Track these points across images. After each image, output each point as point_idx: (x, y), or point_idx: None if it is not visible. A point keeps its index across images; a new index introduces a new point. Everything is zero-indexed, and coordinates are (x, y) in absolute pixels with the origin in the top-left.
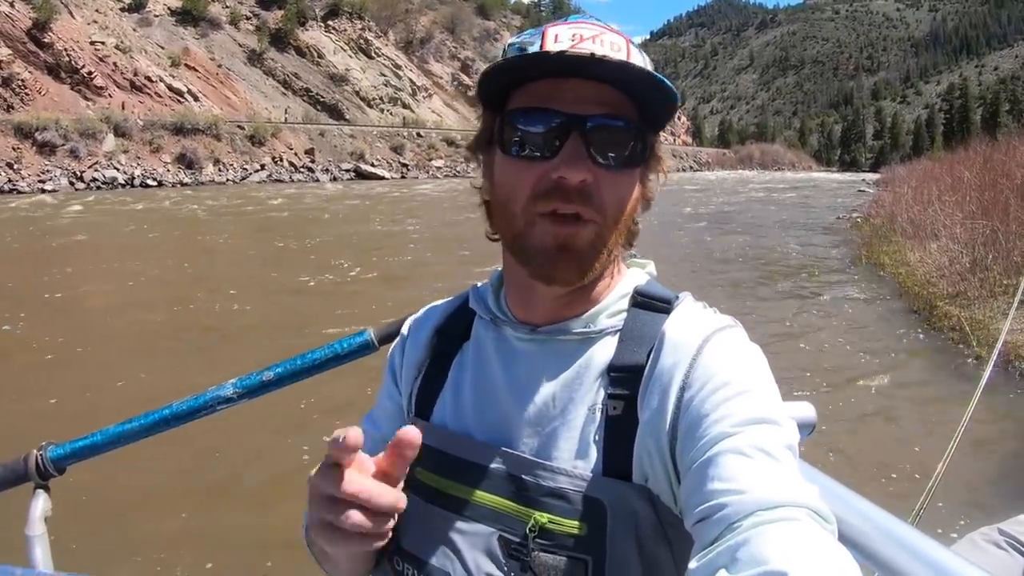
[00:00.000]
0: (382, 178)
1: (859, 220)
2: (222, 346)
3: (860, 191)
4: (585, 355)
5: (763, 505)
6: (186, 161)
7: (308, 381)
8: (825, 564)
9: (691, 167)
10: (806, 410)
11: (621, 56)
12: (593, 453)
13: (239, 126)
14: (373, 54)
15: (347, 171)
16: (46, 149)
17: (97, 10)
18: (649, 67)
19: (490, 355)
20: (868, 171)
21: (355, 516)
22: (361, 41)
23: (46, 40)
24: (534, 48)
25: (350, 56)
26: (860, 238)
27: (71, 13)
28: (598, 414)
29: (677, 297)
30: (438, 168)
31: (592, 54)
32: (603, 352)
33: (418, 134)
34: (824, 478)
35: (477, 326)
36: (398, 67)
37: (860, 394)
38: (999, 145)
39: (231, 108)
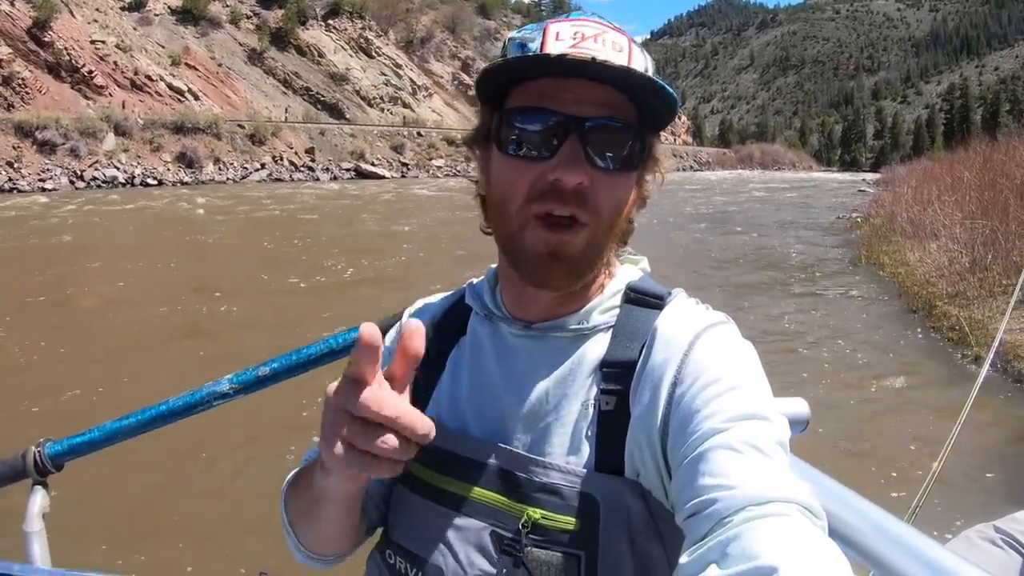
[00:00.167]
0: (382, 177)
1: (859, 220)
2: (211, 347)
3: (860, 191)
4: (579, 351)
5: (753, 500)
6: (186, 160)
7: (304, 376)
8: (815, 559)
9: (691, 167)
10: (799, 406)
11: (623, 56)
12: (586, 449)
13: (239, 125)
14: (373, 53)
15: (347, 170)
16: (46, 148)
17: (97, 9)
18: (651, 68)
19: (486, 351)
20: (868, 171)
21: (392, 440)
22: (361, 40)
23: (46, 39)
24: (535, 45)
25: (350, 55)
26: (860, 238)
27: (71, 12)
28: (591, 410)
29: (670, 293)
30: (438, 167)
31: (594, 58)
32: (596, 348)
33: (418, 133)
34: (819, 475)
35: (473, 322)
36: (398, 66)
37: (858, 393)
38: (999, 145)
39: (231, 107)
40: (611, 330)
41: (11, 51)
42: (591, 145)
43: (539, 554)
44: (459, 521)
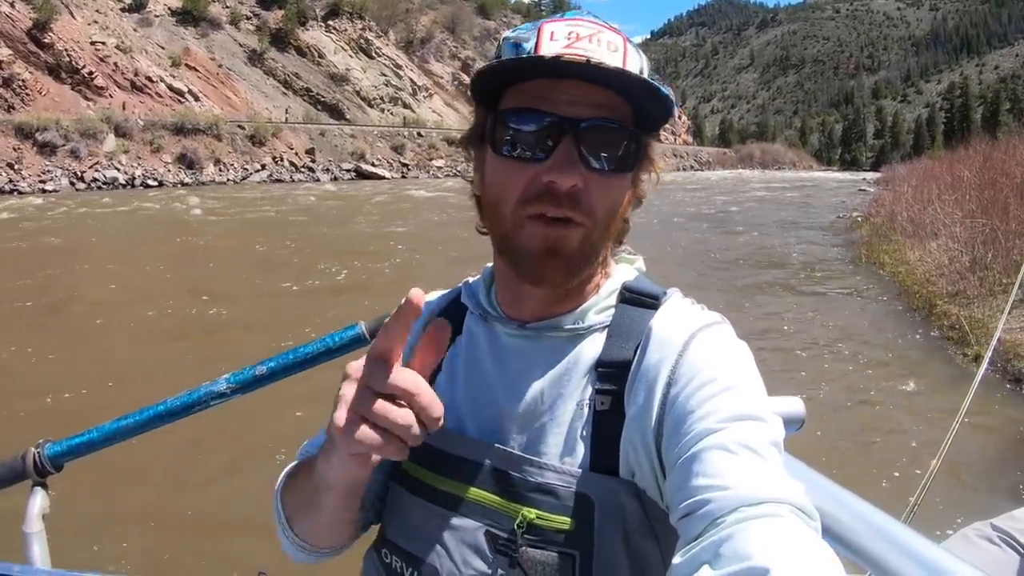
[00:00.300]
0: (383, 178)
1: (859, 219)
2: (203, 350)
3: (861, 190)
4: (574, 351)
5: (747, 501)
6: (187, 161)
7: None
8: (807, 560)
9: (692, 167)
10: (795, 404)
11: (618, 56)
12: (581, 449)
13: (240, 126)
14: (373, 54)
15: (348, 171)
16: (47, 149)
17: (97, 10)
18: (646, 68)
19: (482, 351)
20: (869, 170)
21: (410, 417)
22: (361, 41)
23: (47, 40)
24: (530, 45)
25: (350, 56)
26: (860, 237)
27: (71, 13)
28: (586, 410)
29: (665, 293)
30: (439, 168)
31: (588, 60)
32: (592, 348)
33: (419, 134)
34: (815, 474)
35: (469, 321)
36: (398, 67)
37: (858, 392)
38: (999, 144)
39: (232, 108)
40: (606, 330)
41: (11, 52)
42: (586, 146)
43: (534, 554)
44: (454, 521)
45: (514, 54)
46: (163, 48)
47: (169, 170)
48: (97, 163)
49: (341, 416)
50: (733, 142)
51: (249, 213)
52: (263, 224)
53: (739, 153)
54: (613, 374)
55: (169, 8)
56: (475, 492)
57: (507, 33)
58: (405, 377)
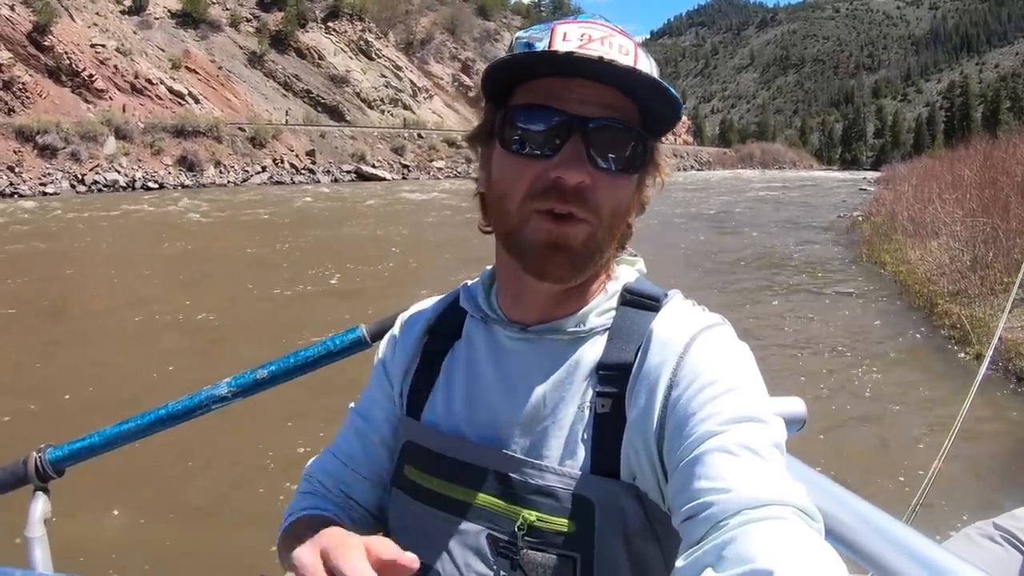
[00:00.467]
0: (383, 179)
1: (860, 218)
2: (195, 357)
3: (861, 189)
4: (575, 354)
5: (749, 504)
6: (187, 163)
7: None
8: (810, 562)
9: (692, 166)
10: (796, 405)
11: (629, 59)
12: (581, 452)
13: (240, 128)
14: (373, 55)
15: (348, 172)
16: (47, 152)
17: (97, 13)
18: (655, 73)
19: (481, 354)
20: (869, 169)
21: None
22: (361, 42)
23: (47, 43)
24: (542, 45)
25: (350, 57)
26: (861, 237)
27: (71, 16)
28: (587, 412)
29: (666, 295)
30: (439, 169)
31: (600, 57)
32: (592, 351)
33: (419, 135)
34: (816, 475)
35: (468, 325)
36: (398, 68)
37: (859, 392)
38: (999, 143)
39: (232, 110)
40: (607, 332)
41: (11, 56)
42: (593, 146)
43: (535, 556)
44: (456, 525)
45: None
46: (163, 50)
47: (170, 172)
48: (98, 166)
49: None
50: (733, 142)
51: (250, 214)
52: (263, 225)
53: (739, 153)
54: (614, 377)
55: (169, 10)
56: (476, 496)
57: (519, 33)
58: None
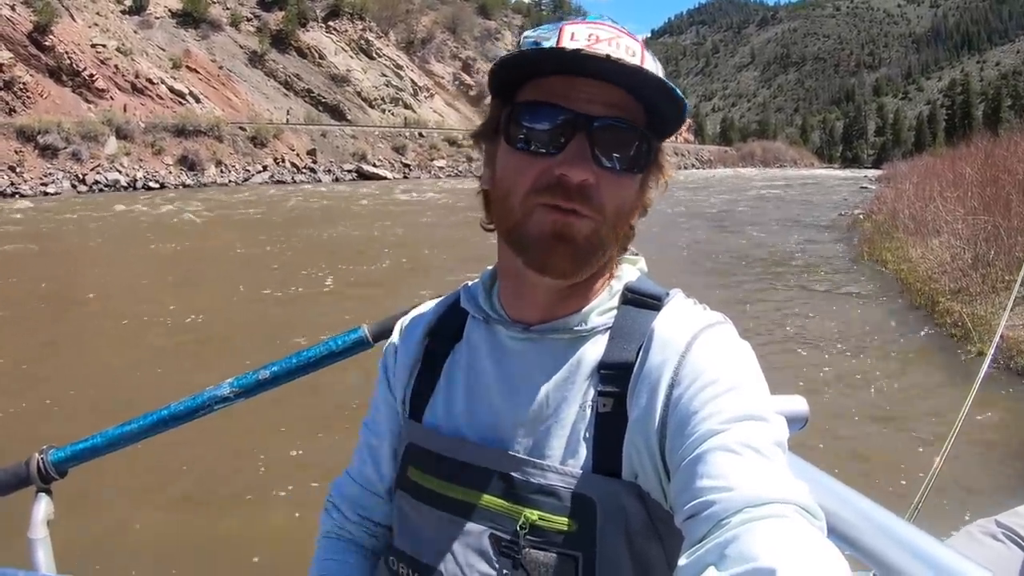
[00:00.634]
0: (384, 178)
1: (861, 217)
2: (189, 360)
3: (862, 187)
4: (577, 353)
5: (752, 502)
6: (188, 163)
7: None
8: (813, 560)
9: (693, 165)
10: (798, 403)
11: (636, 60)
12: (583, 451)
13: (241, 127)
14: (374, 54)
15: (349, 172)
16: (48, 152)
17: (98, 13)
18: (661, 74)
19: (482, 355)
20: (870, 168)
21: None
22: (362, 42)
23: (47, 43)
24: (550, 43)
25: (351, 57)
26: (862, 235)
27: (72, 16)
28: (588, 412)
29: (667, 294)
30: (440, 168)
31: (608, 56)
32: (594, 350)
33: (420, 134)
34: (819, 473)
35: (469, 326)
36: (399, 67)
37: (861, 390)
38: (1000, 141)
39: (233, 110)
40: (608, 331)
41: (12, 56)
42: (598, 145)
43: (537, 555)
44: (459, 526)
45: None
46: (164, 50)
47: (171, 172)
48: (98, 165)
49: None
50: (734, 140)
51: (234, 216)
52: (264, 226)
53: (740, 151)
54: (615, 376)
55: (169, 10)
56: (479, 496)
57: (527, 32)
58: None
